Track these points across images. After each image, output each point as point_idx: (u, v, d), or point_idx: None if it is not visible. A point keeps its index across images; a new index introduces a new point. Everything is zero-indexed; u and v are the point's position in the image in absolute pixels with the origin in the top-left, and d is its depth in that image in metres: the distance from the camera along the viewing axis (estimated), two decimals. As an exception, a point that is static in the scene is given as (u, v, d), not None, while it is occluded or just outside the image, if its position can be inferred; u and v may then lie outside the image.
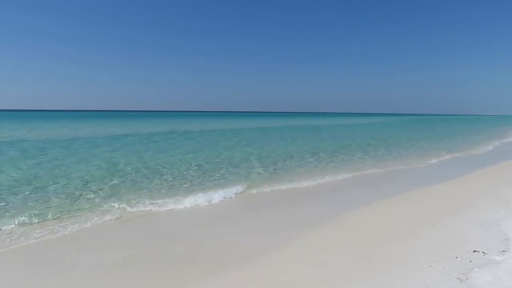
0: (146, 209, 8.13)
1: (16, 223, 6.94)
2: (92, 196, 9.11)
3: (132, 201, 8.61)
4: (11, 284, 4.76)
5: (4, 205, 8.15)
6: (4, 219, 7.13)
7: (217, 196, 9.23)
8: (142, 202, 8.54)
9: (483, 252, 5.23)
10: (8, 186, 10.03)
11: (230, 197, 9.32)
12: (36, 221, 7.10)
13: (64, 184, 10.32)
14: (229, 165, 14.17)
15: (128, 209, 8.06)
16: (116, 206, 8.20)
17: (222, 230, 6.81)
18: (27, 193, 9.25)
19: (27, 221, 7.08)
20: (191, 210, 8.23)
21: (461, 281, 4.38)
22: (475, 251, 5.29)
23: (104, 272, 5.03)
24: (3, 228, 6.73)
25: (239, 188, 10.10)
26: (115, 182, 10.77)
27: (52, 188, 9.78)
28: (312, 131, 40.48)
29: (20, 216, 7.27)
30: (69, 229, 6.78)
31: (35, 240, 6.22)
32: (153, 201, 8.63)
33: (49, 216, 7.45)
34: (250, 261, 5.31)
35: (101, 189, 9.78)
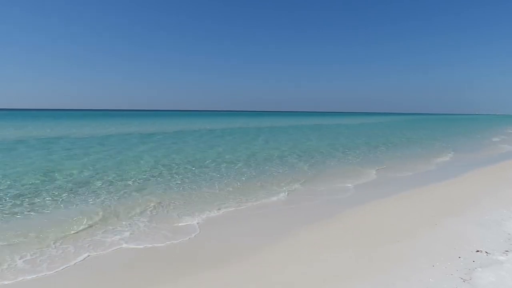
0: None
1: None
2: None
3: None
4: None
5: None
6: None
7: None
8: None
9: (486, 252, 5.19)
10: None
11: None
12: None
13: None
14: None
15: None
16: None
17: (222, 230, 6.77)
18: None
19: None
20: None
21: (464, 281, 4.34)
22: (478, 251, 5.25)
23: (105, 272, 5.00)
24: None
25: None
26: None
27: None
28: (348, 130, 42.61)
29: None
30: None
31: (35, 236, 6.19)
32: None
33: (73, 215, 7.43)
34: (249, 261, 5.29)
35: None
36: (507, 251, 5.24)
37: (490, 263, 4.83)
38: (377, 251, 5.44)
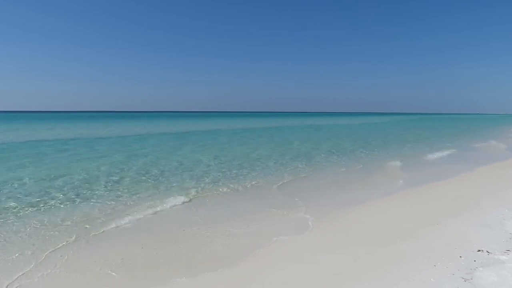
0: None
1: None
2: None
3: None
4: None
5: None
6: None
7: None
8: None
9: (488, 252, 5.16)
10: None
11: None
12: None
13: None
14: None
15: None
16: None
17: (218, 228, 6.72)
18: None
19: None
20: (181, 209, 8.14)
21: (465, 281, 4.30)
22: (479, 250, 5.22)
23: (107, 270, 4.97)
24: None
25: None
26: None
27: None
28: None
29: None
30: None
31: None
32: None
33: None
34: (247, 260, 5.24)
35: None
36: (508, 250, 5.21)
37: (491, 263, 4.79)
38: (377, 251, 5.40)
